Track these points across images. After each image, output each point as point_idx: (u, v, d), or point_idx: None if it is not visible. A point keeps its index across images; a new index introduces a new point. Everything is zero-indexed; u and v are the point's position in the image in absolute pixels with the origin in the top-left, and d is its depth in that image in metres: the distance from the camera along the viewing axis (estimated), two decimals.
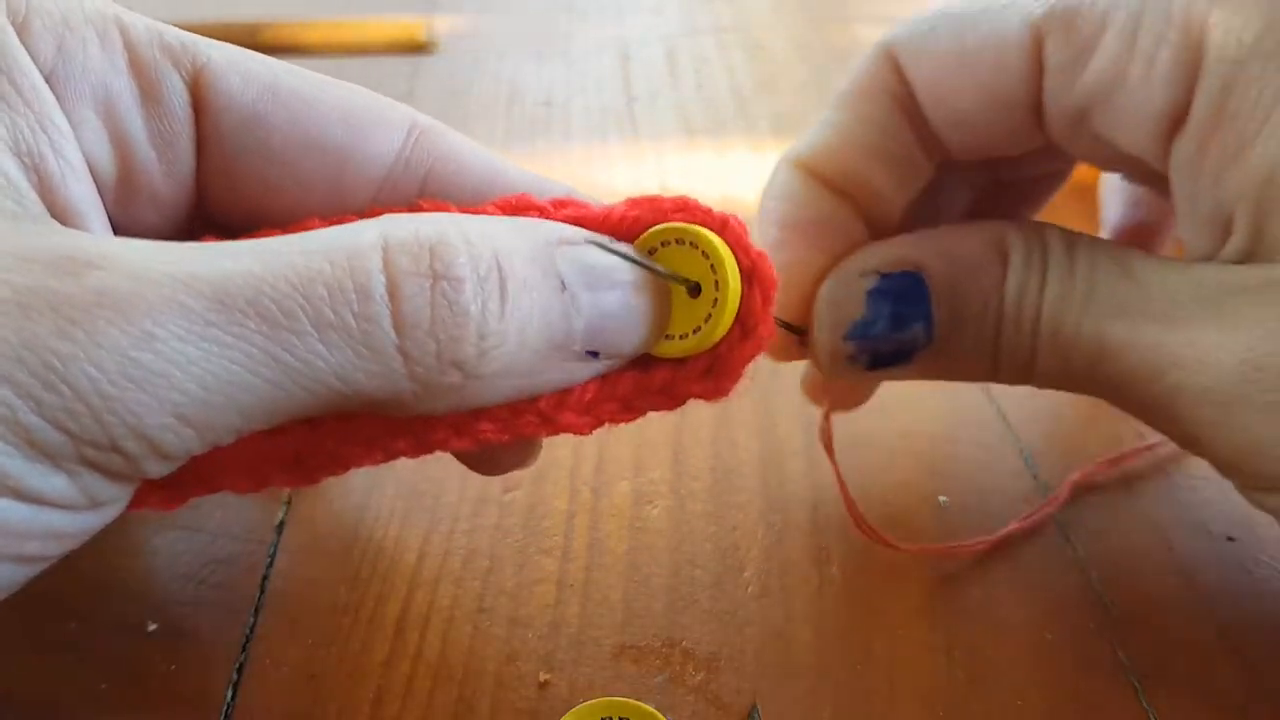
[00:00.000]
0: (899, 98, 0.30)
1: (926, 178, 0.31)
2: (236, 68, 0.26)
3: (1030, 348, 0.28)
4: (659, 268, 0.24)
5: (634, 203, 0.25)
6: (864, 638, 0.29)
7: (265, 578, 0.31)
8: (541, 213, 0.25)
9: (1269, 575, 0.31)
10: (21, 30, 0.23)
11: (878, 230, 0.31)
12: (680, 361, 0.25)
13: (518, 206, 0.25)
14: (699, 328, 0.24)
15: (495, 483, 0.33)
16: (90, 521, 0.21)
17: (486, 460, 0.28)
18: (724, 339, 0.24)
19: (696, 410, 0.29)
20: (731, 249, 0.24)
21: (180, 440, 0.20)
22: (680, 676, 0.28)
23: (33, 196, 0.22)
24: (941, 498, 0.33)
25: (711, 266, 0.24)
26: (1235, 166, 0.25)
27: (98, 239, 0.21)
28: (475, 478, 0.33)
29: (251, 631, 0.29)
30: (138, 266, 0.20)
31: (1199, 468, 0.34)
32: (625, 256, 0.24)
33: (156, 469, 0.21)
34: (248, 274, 0.20)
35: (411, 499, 0.32)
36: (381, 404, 0.22)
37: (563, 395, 0.24)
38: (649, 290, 0.24)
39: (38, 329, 0.19)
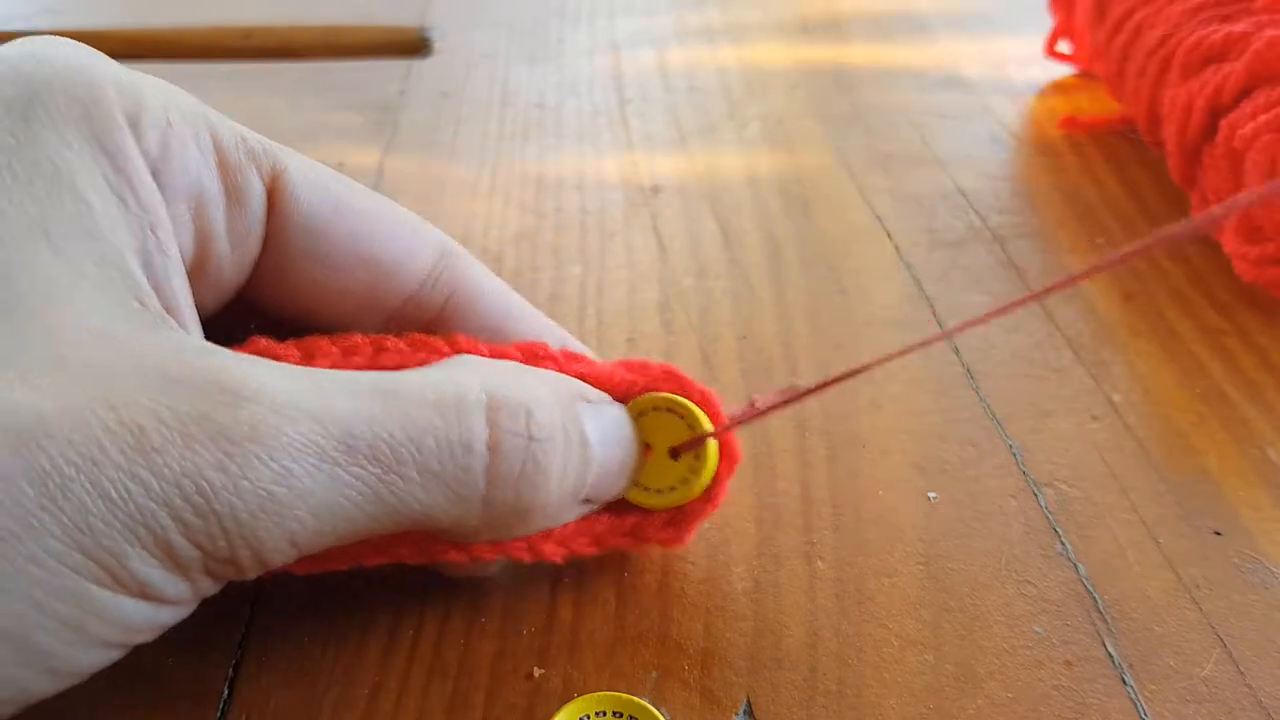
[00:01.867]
0: None
1: None
2: (309, 179, 0.28)
3: None
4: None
5: (628, 366, 0.30)
6: (854, 633, 0.29)
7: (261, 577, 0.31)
8: (555, 363, 0.29)
9: (1255, 569, 0.31)
10: (133, 127, 0.25)
11: None
12: (648, 511, 0.30)
13: (535, 354, 0.29)
14: (675, 487, 0.29)
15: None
16: (187, 612, 0.23)
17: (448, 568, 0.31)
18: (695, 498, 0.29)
19: None
20: (711, 419, 0.29)
21: (284, 558, 0.23)
22: (673, 671, 0.28)
23: (155, 300, 0.24)
24: (930, 494, 0.34)
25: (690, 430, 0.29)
26: None
27: (239, 362, 0.23)
28: None
29: (248, 627, 0.29)
30: (282, 402, 0.22)
31: (1189, 464, 0.35)
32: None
33: (252, 576, 0.23)
34: (370, 419, 0.23)
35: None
36: (441, 531, 0.25)
37: (548, 530, 0.28)
38: (634, 454, 0.29)
39: (198, 459, 0.21)
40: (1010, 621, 0.30)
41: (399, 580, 0.31)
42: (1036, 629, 0.29)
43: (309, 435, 0.22)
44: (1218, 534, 0.32)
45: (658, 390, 0.29)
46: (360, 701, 0.27)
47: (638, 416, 0.29)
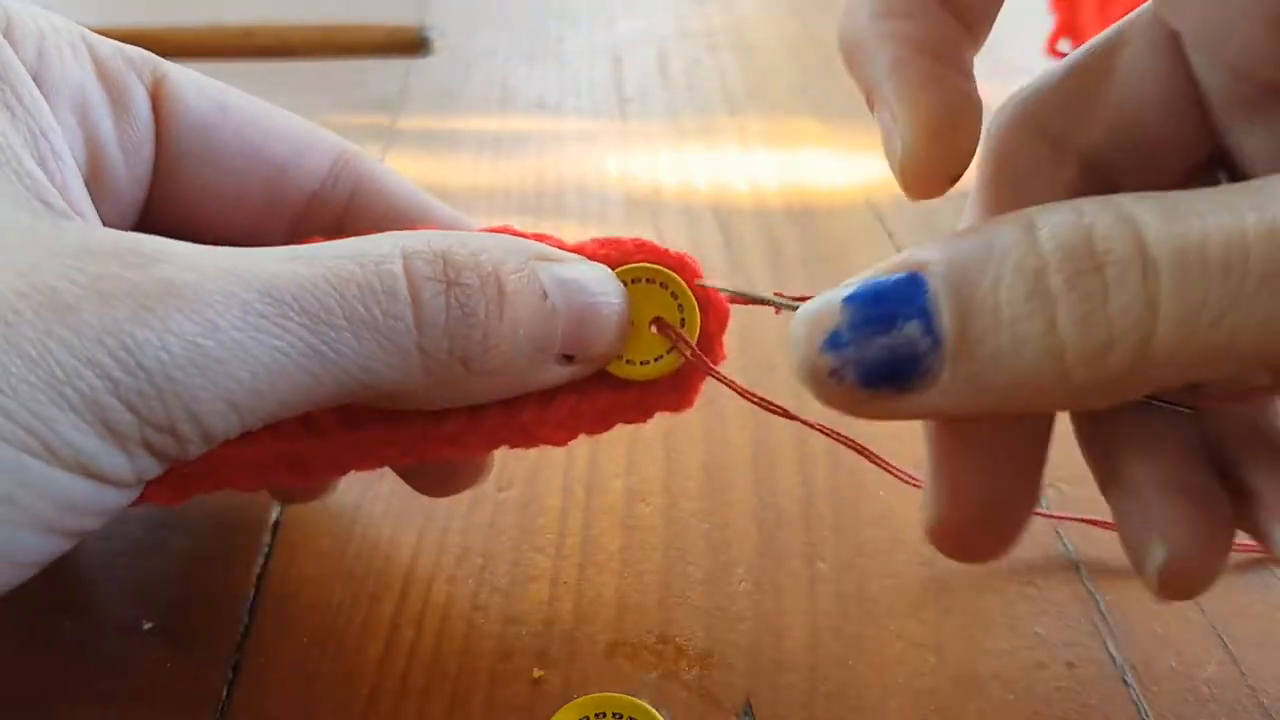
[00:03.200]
0: None
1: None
2: (192, 82, 0.28)
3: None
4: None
5: (600, 242, 0.28)
6: (855, 634, 0.29)
7: (260, 576, 0.31)
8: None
9: (1258, 570, 0.31)
10: (6, 37, 0.25)
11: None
12: (649, 383, 0.28)
13: (501, 233, 0.28)
14: (661, 356, 0.27)
15: (489, 481, 0.33)
16: (128, 498, 0.23)
17: (439, 483, 0.31)
18: (686, 362, 0.27)
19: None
20: (688, 284, 0.27)
21: (226, 425, 0.22)
22: (674, 672, 0.28)
23: (59, 199, 0.23)
24: None
25: (679, 305, 0.27)
26: None
27: (149, 236, 0.22)
28: None
29: (247, 630, 0.29)
30: (196, 262, 0.21)
31: None
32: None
33: (196, 452, 0.22)
34: (292, 274, 0.22)
35: (406, 497, 0.32)
36: (392, 395, 0.24)
37: (543, 409, 0.27)
38: (616, 305, 0.27)
39: (116, 314, 0.20)
40: (1012, 622, 0.29)
41: (399, 580, 0.31)
42: (1038, 630, 0.29)
43: (228, 289, 0.21)
44: None
45: (631, 261, 0.28)
46: (359, 703, 0.27)
47: None
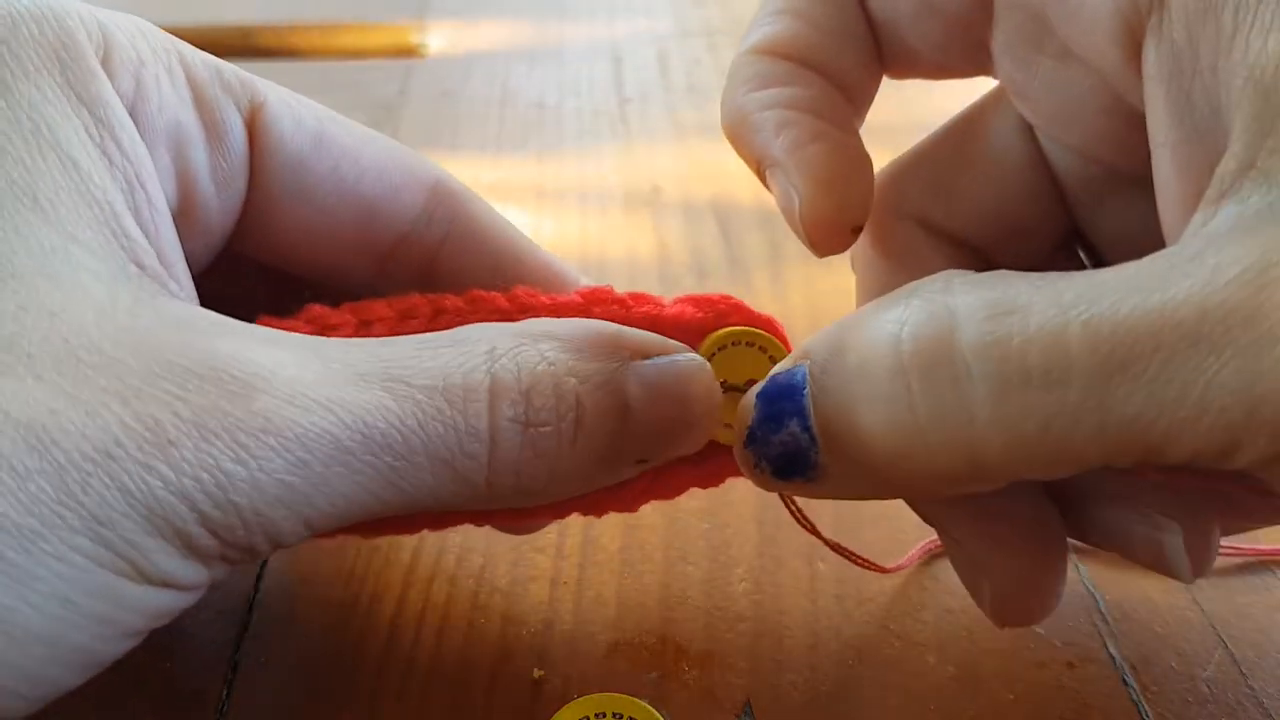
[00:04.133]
0: None
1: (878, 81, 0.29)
2: (289, 111, 0.27)
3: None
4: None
5: (694, 302, 0.28)
6: (855, 634, 0.29)
7: (260, 576, 0.31)
8: (621, 306, 0.27)
9: (1258, 569, 0.31)
10: (105, 66, 0.24)
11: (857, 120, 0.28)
12: (727, 452, 0.26)
13: (599, 299, 0.28)
14: None
15: None
16: (199, 596, 0.23)
17: (513, 529, 0.31)
18: None
19: None
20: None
21: (296, 537, 0.22)
22: (674, 673, 0.28)
23: (153, 259, 0.23)
24: None
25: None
26: (1233, 48, 0.20)
27: (247, 343, 0.22)
28: None
29: (246, 629, 0.29)
30: (295, 391, 0.21)
31: None
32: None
33: (266, 555, 0.23)
34: (382, 408, 0.22)
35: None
36: (449, 504, 0.24)
37: (614, 492, 0.27)
38: (704, 408, 0.26)
39: (214, 451, 0.20)
40: None
41: (399, 580, 0.31)
42: (1038, 629, 0.29)
43: (323, 425, 0.21)
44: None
45: (727, 324, 0.27)
46: (360, 703, 0.27)
47: (715, 353, 0.27)
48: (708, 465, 0.28)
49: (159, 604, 0.21)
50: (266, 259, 0.29)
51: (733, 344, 0.27)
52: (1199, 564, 0.25)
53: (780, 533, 0.32)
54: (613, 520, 0.33)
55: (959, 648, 0.29)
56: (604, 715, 0.26)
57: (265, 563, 0.31)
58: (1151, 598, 0.30)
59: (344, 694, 0.28)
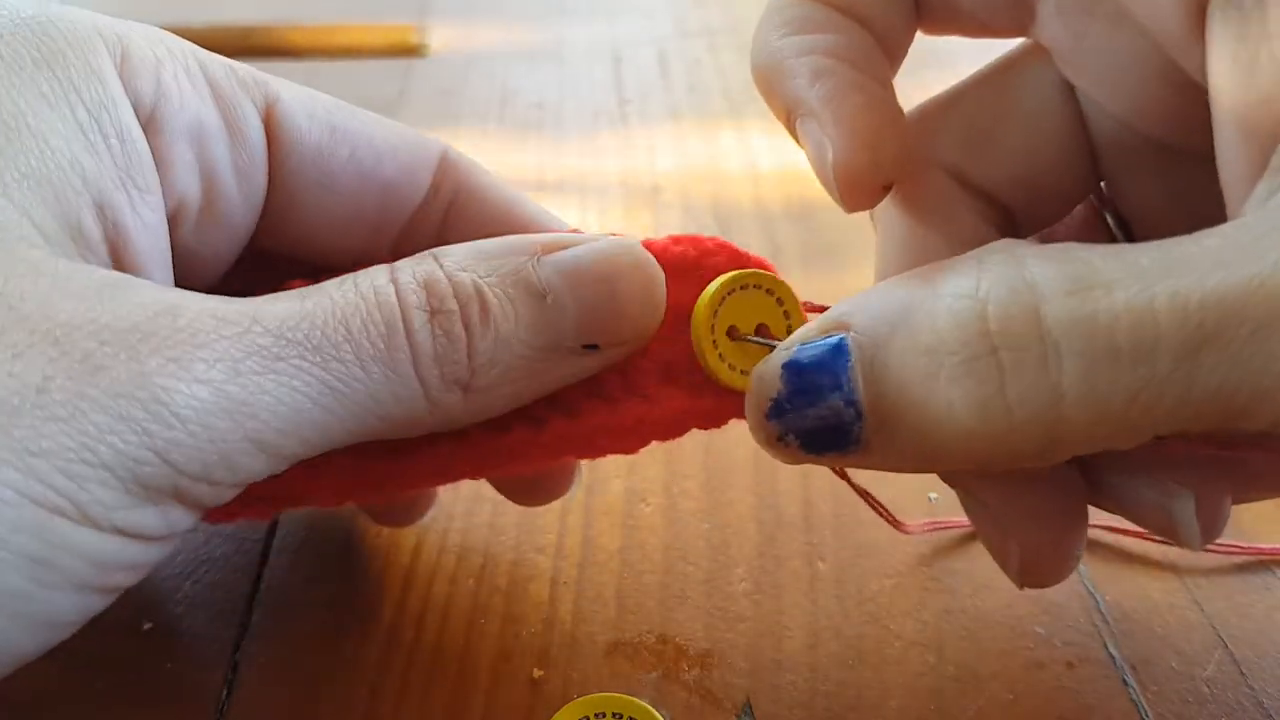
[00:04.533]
0: None
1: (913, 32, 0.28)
2: (303, 106, 0.28)
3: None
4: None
5: (676, 239, 0.27)
6: (856, 633, 0.29)
7: (259, 576, 0.31)
8: None
9: (1258, 569, 0.31)
10: (122, 71, 0.25)
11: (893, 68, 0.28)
12: (731, 391, 0.26)
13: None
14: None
15: (488, 482, 0.33)
16: (161, 553, 0.23)
17: (527, 492, 0.31)
18: None
19: None
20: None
21: (254, 467, 0.22)
22: (673, 673, 0.28)
23: (105, 259, 0.24)
24: (931, 494, 0.33)
25: (785, 312, 0.26)
26: None
27: (162, 290, 0.22)
28: None
29: (246, 630, 0.29)
30: (214, 308, 0.22)
31: None
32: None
33: (228, 497, 0.23)
34: (301, 312, 0.23)
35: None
36: (405, 426, 0.24)
37: (609, 417, 0.26)
38: (639, 281, 0.25)
39: (145, 369, 0.20)
40: (1012, 622, 0.29)
41: (399, 580, 0.31)
42: (1038, 630, 0.29)
43: (246, 334, 0.22)
44: None
45: (712, 263, 0.27)
46: (359, 703, 0.27)
47: (724, 299, 0.26)
48: (706, 400, 0.26)
49: (109, 551, 0.21)
50: (291, 251, 0.29)
51: (740, 288, 0.26)
52: (1209, 531, 0.25)
53: (780, 532, 0.32)
54: (612, 521, 0.33)
55: (959, 648, 0.29)
56: (604, 715, 0.26)
57: (265, 562, 0.31)
58: (1151, 597, 0.30)
59: (344, 694, 0.28)
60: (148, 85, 0.25)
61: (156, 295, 0.22)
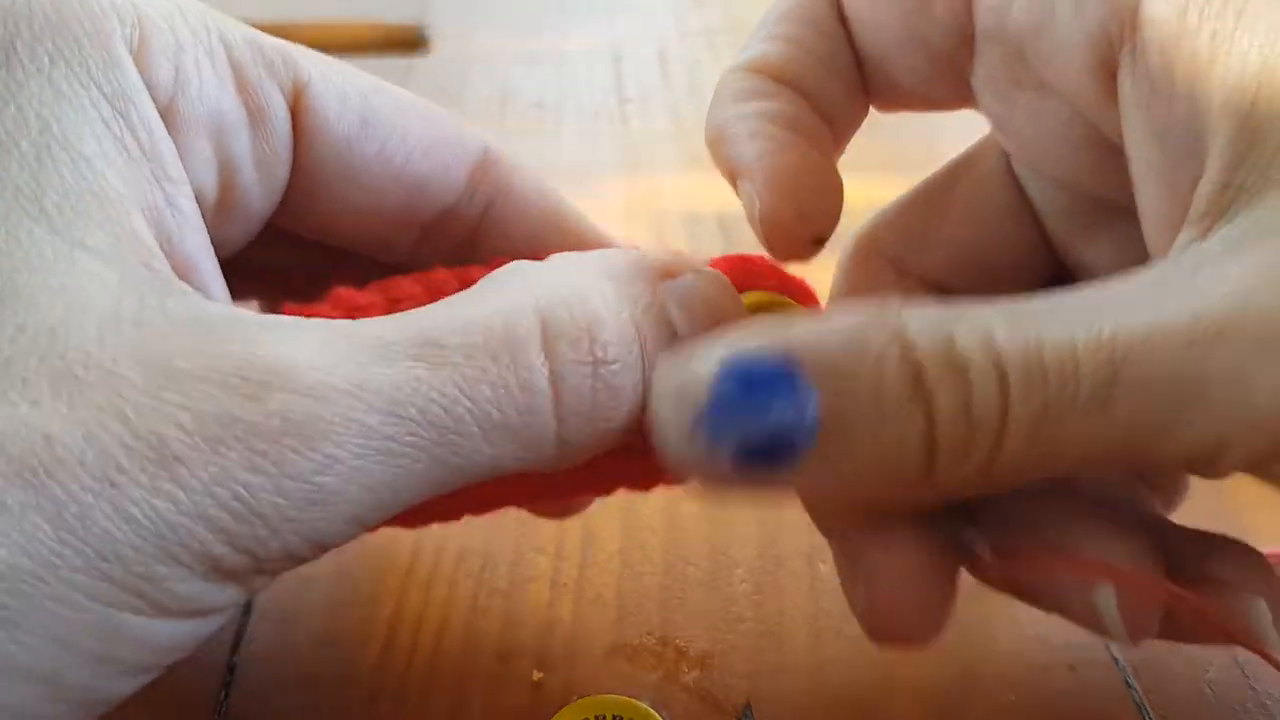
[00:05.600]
0: (837, 16, 0.27)
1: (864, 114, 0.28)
2: (334, 89, 0.26)
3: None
4: None
5: (727, 261, 0.26)
6: (858, 635, 0.29)
7: None
8: None
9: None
10: (139, 58, 0.22)
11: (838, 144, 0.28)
12: None
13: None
14: None
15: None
16: (235, 610, 0.22)
17: (555, 513, 0.30)
18: None
19: None
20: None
21: (344, 536, 0.21)
22: (674, 675, 0.28)
23: (165, 263, 0.21)
24: None
25: None
26: (1210, 72, 0.20)
27: (262, 335, 0.20)
28: None
29: (243, 632, 0.29)
30: (312, 381, 0.19)
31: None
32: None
33: (312, 559, 0.21)
34: (415, 381, 0.20)
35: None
36: (517, 471, 0.22)
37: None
38: (734, 314, 0.24)
39: (226, 463, 0.19)
40: (1014, 625, 0.29)
41: (397, 582, 0.30)
42: (1040, 632, 0.29)
43: (349, 414, 0.19)
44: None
45: (760, 286, 0.26)
46: (358, 705, 0.27)
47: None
48: None
49: (177, 634, 0.20)
50: (305, 233, 0.28)
51: (755, 310, 0.25)
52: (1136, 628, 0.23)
53: (781, 533, 0.32)
54: (613, 520, 0.33)
55: (961, 650, 0.29)
56: (604, 718, 0.26)
57: None
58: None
59: (342, 697, 0.27)
60: (165, 74, 0.23)
61: (251, 351, 0.20)
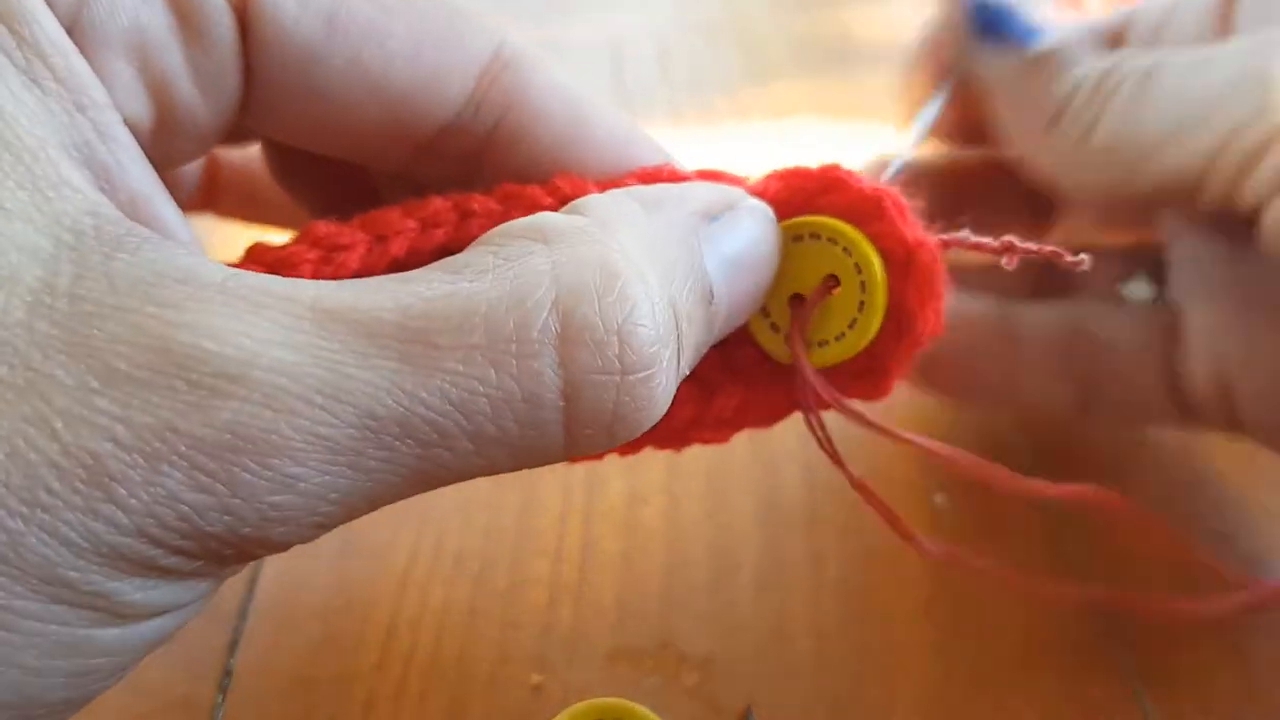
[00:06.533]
0: None
1: None
2: None
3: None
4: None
5: (779, 176, 0.23)
6: (860, 639, 0.29)
7: (253, 581, 0.30)
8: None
9: (1269, 575, 0.31)
10: None
11: None
12: (833, 366, 0.23)
13: (659, 179, 0.23)
14: (843, 334, 0.23)
15: (486, 484, 0.33)
16: (208, 600, 0.20)
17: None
18: (877, 339, 0.23)
19: None
20: (883, 236, 0.22)
21: (314, 538, 0.19)
22: (675, 678, 0.28)
23: (109, 206, 0.18)
24: (936, 497, 0.33)
25: (856, 265, 0.22)
26: None
27: (219, 322, 0.17)
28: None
29: (240, 635, 0.29)
30: (271, 388, 0.17)
31: (1197, 468, 0.34)
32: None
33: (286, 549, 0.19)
34: (397, 391, 0.17)
35: (402, 500, 0.32)
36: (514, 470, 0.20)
37: (704, 408, 0.23)
38: (775, 261, 0.23)
39: (169, 483, 0.16)
40: (1020, 628, 0.29)
41: (395, 584, 0.30)
42: (1046, 636, 0.29)
43: (312, 429, 0.17)
44: (1228, 538, 0.32)
45: (823, 204, 0.23)
46: (356, 709, 0.27)
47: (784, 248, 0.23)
48: (758, 391, 0.24)
49: (150, 632, 0.18)
50: (280, 148, 0.25)
51: (810, 236, 0.23)
52: None
53: (783, 535, 0.32)
54: (613, 524, 0.32)
55: (965, 653, 0.28)
56: None
57: (259, 567, 0.31)
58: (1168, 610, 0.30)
59: (339, 700, 0.27)
60: None
61: (200, 340, 0.17)
